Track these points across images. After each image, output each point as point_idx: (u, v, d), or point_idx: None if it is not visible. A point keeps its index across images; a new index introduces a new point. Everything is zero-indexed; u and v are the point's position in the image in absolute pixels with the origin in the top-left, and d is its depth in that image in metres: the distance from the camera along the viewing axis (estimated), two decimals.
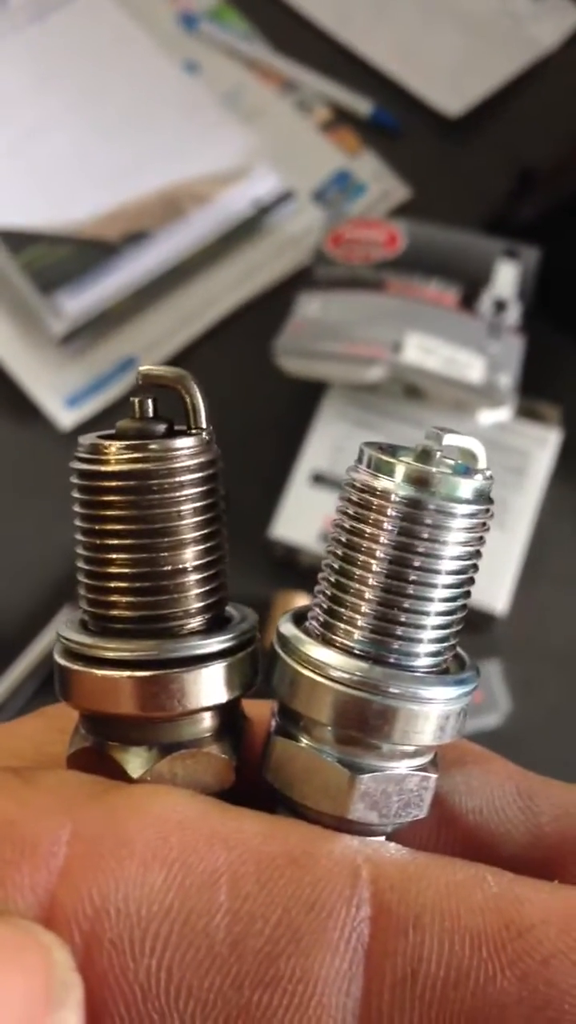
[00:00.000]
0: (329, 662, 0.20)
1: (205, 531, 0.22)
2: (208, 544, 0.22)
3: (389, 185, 0.82)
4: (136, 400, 0.22)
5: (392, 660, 0.20)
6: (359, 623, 0.21)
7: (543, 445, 0.68)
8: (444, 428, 0.20)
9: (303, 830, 0.19)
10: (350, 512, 0.21)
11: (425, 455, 0.20)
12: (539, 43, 0.87)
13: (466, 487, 0.20)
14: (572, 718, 0.66)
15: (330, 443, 0.69)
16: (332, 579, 0.21)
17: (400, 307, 0.70)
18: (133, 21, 0.88)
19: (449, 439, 0.20)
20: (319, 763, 0.21)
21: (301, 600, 0.65)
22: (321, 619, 0.21)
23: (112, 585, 0.21)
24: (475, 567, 0.21)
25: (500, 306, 0.70)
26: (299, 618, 0.22)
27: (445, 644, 0.21)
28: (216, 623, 0.22)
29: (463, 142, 0.84)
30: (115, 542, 0.21)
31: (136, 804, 0.19)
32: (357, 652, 0.20)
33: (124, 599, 0.21)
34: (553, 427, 0.69)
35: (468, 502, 0.20)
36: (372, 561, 0.20)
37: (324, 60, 0.86)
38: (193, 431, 0.22)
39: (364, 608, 0.20)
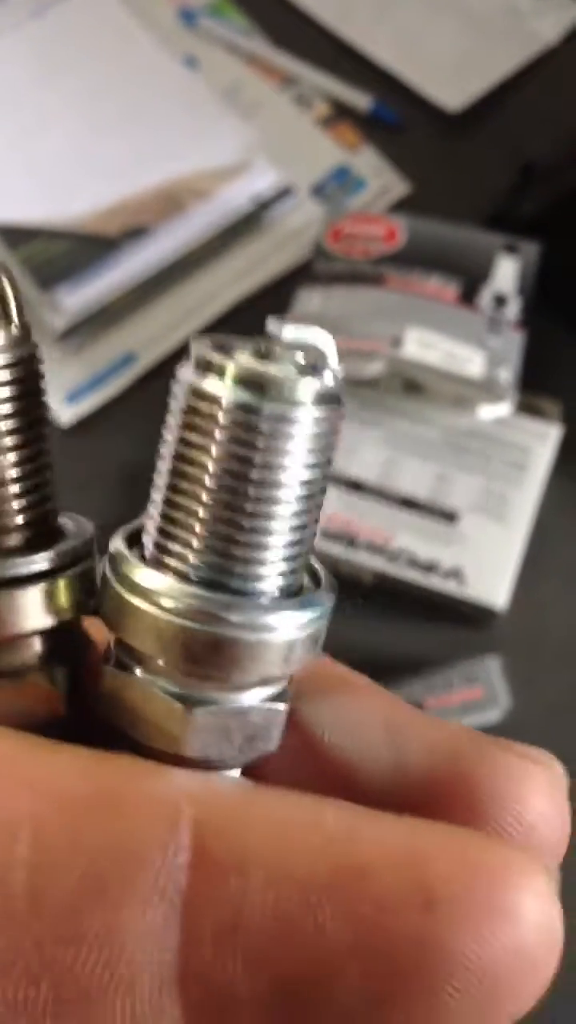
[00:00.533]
0: (159, 588, 0.18)
1: (19, 436, 0.19)
2: (24, 451, 0.19)
3: (389, 180, 0.82)
4: None
5: (233, 585, 0.18)
6: (194, 544, 0.18)
7: (543, 440, 0.68)
8: (284, 320, 0.18)
9: (125, 766, 0.18)
10: (178, 418, 0.18)
11: (263, 353, 0.18)
12: (540, 38, 0.87)
13: (306, 389, 0.18)
14: (573, 714, 0.66)
15: None
16: (162, 493, 0.19)
17: (400, 302, 0.70)
18: (133, 16, 0.87)
19: (290, 332, 0.18)
20: (152, 697, 0.19)
21: None
22: (153, 539, 0.19)
23: None
24: (325, 478, 0.19)
25: (500, 301, 0.70)
26: (134, 536, 0.20)
27: (293, 564, 0.19)
28: (42, 540, 0.20)
29: (463, 137, 0.84)
30: None
31: None
32: (192, 577, 0.18)
33: None
34: (553, 422, 0.69)
35: (309, 404, 0.18)
36: (204, 475, 0.18)
37: (324, 55, 0.86)
38: (12, 326, 0.20)
39: (198, 528, 0.18)
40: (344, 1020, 0.16)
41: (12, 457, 0.19)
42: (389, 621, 0.67)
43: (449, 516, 0.66)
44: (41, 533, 0.20)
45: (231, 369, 0.18)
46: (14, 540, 0.20)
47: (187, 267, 0.78)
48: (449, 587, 0.65)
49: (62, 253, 0.77)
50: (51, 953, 0.16)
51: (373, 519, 0.66)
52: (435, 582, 0.64)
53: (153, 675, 0.19)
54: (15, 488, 0.19)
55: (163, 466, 0.19)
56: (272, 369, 0.18)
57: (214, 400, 0.18)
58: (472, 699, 0.64)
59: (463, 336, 0.67)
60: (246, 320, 0.77)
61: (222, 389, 0.18)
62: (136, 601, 0.18)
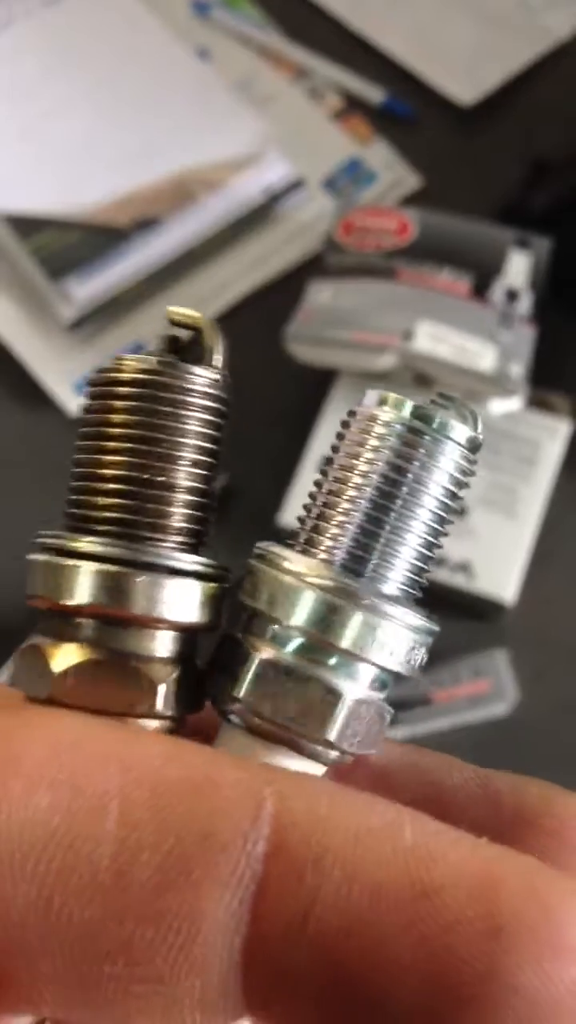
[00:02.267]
0: (310, 570, 0.21)
1: (199, 460, 0.22)
2: (199, 474, 0.22)
3: (400, 174, 0.82)
4: (163, 336, 0.23)
5: (371, 576, 0.21)
6: (340, 538, 0.21)
7: (554, 435, 0.68)
8: (451, 395, 0.22)
9: (211, 754, 0.18)
10: (349, 439, 0.22)
11: (432, 402, 0.22)
12: (553, 33, 0.86)
13: (461, 430, 0.22)
14: None
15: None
16: (321, 500, 0.22)
17: (411, 295, 0.69)
18: (146, 7, 0.87)
19: (455, 401, 0.22)
20: (295, 678, 0.21)
21: None
22: (304, 536, 0.22)
23: (98, 487, 0.22)
24: (453, 512, 0.22)
25: (512, 295, 0.70)
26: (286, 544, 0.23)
27: (416, 578, 0.22)
28: (192, 552, 0.22)
29: (476, 131, 0.84)
30: (114, 445, 0.22)
31: (30, 721, 0.18)
32: (335, 562, 0.21)
33: (109, 500, 0.21)
34: (564, 417, 0.69)
35: (459, 444, 0.22)
36: (362, 481, 0.21)
37: (337, 48, 0.86)
38: (209, 360, 0.23)
39: (348, 524, 0.21)
40: None
41: (191, 473, 0.22)
42: None
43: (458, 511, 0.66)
44: (194, 549, 0.22)
45: (408, 404, 0.22)
46: (171, 543, 0.22)
47: (198, 258, 0.78)
48: (458, 581, 0.65)
49: (73, 243, 0.77)
50: (131, 930, 0.16)
51: None
52: (444, 576, 0.64)
53: (295, 656, 0.21)
54: (186, 498, 0.22)
55: (323, 484, 0.22)
56: (439, 411, 0.22)
57: (388, 423, 0.21)
58: (480, 693, 0.64)
59: (474, 330, 0.67)
60: (257, 312, 0.77)
61: (398, 416, 0.21)
62: (289, 579, 0.21)
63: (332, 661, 0.21)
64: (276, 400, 0.73)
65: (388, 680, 0.22)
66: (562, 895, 0.16)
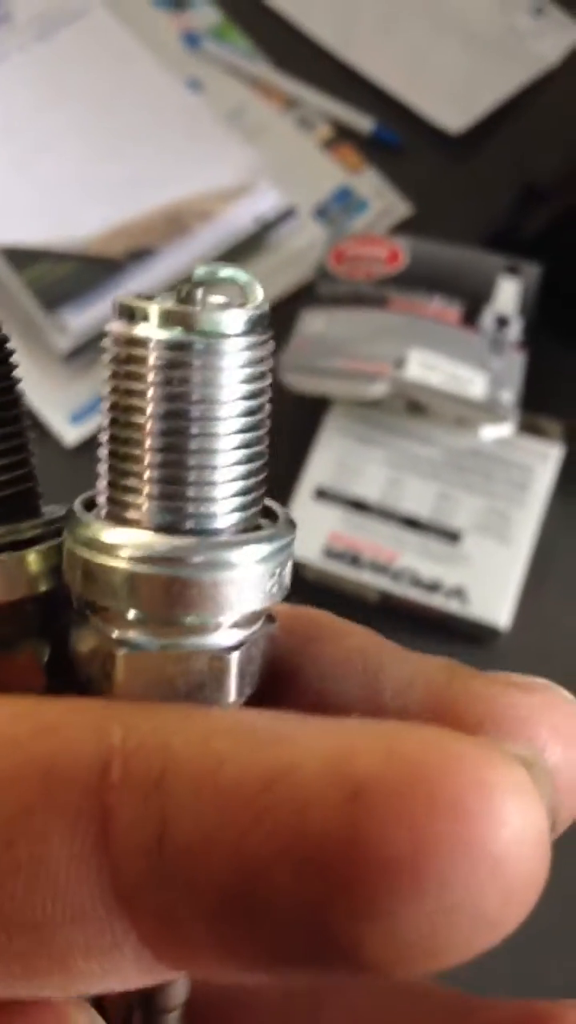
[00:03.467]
0: (115, 540, 0.18)
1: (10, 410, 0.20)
2: (6, 428, 0.20)
3: (390, 202, 0.83)
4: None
5: (187, 527, 0.19)
6: (144, 491, 0.19)
7: (545, 460, 0.69)
8: (206, 264, 0.19)
9: (66, 704, 0.17)
10: (112, 371, 0.19)
11: (185, 296, 0.19)
12: (541, 59, 0.87)
13: (233, 319, 0.18)
14: None
15: (334, 458, 0.69)
16: (108, 450, 0.19)
17: (403, 324, 0.70)
18: (137, 40, 0.88)
19: (206, 273, 0.19)
20: (100, 647, 0.19)
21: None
22: (106, 495, 0.19)
23: None
24: (263, 409, 0.19)
25: (502, 322, 0.70)
26: (91, 502, 0.20)
27: (246, 499, 0.19)
28: (27, 514, 0.21)
29: (465, 158, 0.85)
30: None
31: None
32: (146, 524, 0.19)
33: None
34: (555, 442, 0.70)
35: (238, 335, 0.18)
36: (145, 420, 0.18)
37: (326, 78, 0.87)
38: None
39: (147, 473, 0.19)
40: (287, 927, 0.15)
41: None
42: (393, 640, 0.67)
43: (452, 535, 0.67)
44: (26, 508, 0.21)
45: (155, 311, 0.18)
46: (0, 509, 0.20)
47: None
48: (452, 606, 0.65)
49: (68, 275, 0.78)
50: None
51: (377, 538, 0.67)
52: (438, 601, 0.65)
53: (113, 627, 0.19)
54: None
55: (105, 422, 0.19)
56: (196, 307, 0.18)
57: (143, 343, 0.18)
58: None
59: (465, 357, 0.68)
60: None
61: (149, 331, 0.18)
62: (92, 556, 0.18)
63: (198, 623, 0.19)
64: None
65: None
66: (424, 745, 0.15)
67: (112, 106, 0.86)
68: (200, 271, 0.18)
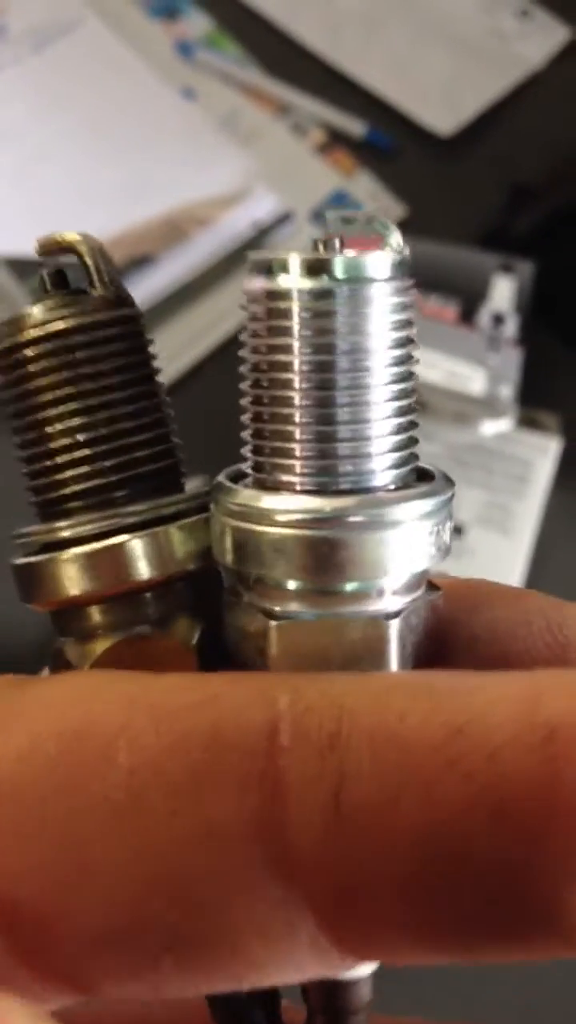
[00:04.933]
0: (270, 506, 0.17)
1: (139, 391, 0.20)
2: (145, 404, 0.20)
3: (385, 204, 0.84)
4: (44, 274, 0.21)
5: (343, 487, 0.17)
6: (296, 452, 0.18)
7: (544, 453, 0.70)
8: (337, 209, 0.18)
9: (226, 676, 0.16)
10: (253, 330, 0.18)
11: (323, 245, 0.18)
12: (527, 61, 0.89)
13: (377, 263, 0.17)
14: None
15: None
16: (252, 414, 0.18)
17: None
18: (131, 50, 0.90)
19: (341, 218, 0.18)
20: (246, 617, 0.18)
21: None
22: (252, 462, 0.18)
23: (51, 463, 0.20)
24: (412, 357, 0.18)
25: (498, 319, 0.72)
26: (236, 476, 0.19)
27: (401, 454, 0.18)
28: (172, 489, 0.20)
29: (456, 160, 0.86)
30: (50, 413, 0.20)
31: (38, 680, 0.17)
32: (301, 488, 0.18)
33: (67, 474, 0.20)
34: (553, 435, 0.71)
35: (384, 280, 0.17)
36: (292, 376, 0.17)
37: (318, 83, 0.89)
38: (98, 290, 0.21)
39: (298, 433, 0.17)
40: (485, 886, 0.14)
41: (129, 408, 0.20)
42: None
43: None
44: (171, 483, 0.20)
45: (296, 261, 0.17)
46: (144, 488, 0.20)
47: (191, 294, 0.80)
48: None
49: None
50: (164, 859, 0.15)
51: None
52: None
53: (266, 600, 0.18)
54: (142, 436, 0.20)
55: (247, 386, 0.18)
56: (338, 253, 0.17)
57: (285, 295, 0.17)
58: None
59: (464, 355, 0.69)
60: None
61: (291, 281, 0.17)
62: (243, 524, 0.18)
63: (356, 590, 0.17)
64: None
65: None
66: None
67: (107, 116, 0.87)
68: (332, 214, 0.18)
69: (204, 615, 0.20)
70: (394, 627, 0.18)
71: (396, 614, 0.18)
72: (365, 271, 0.17)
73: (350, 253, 0.18)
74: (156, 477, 0.20)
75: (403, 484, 0.18)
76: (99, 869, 0.15)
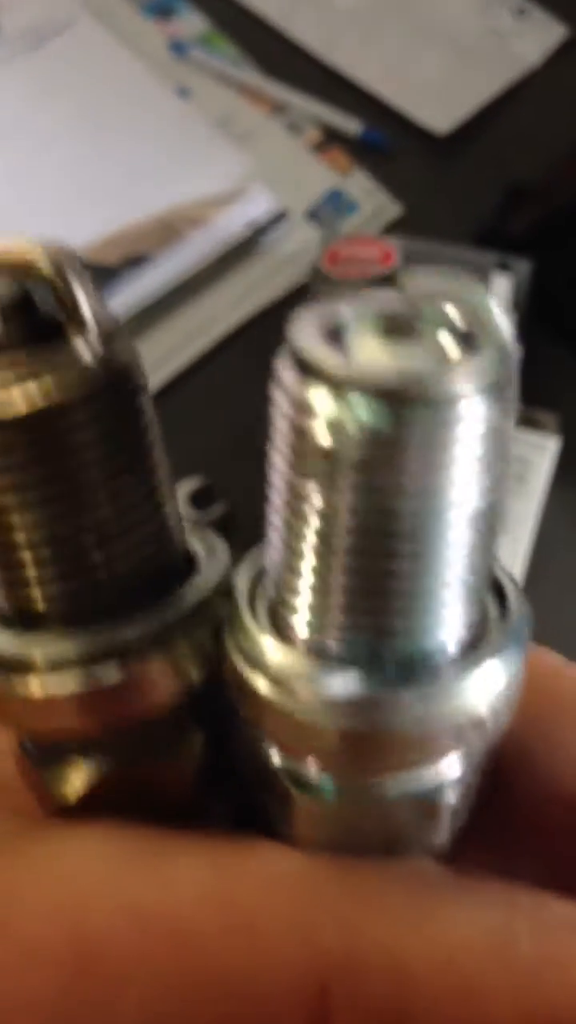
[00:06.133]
0: (295, 673, 0.13)
1: (112, 473, 0.15)
2: (125, 486, 0.16)
3: (381, 202, 0.84)
4: (4, 303, 0.15)
5: (396, 651, 0.13)
6: (333, 604, 0.13)
7: (542, 452, 0.70)
8: (417, 273, 0.13)
9: (258, 877, 0.14)
10: (288, 439, 0.13)
11: (396, 329, 0.12)
12: (524, 60, 0.89)
13: (465, 376, 0.12)
14: None
15: None
16: (282, 536, 0.14)
17: None
18: (126, 50, 0.89)
19: (422, 294, 0.12)
20: (281, 784, 0.15)
21: None
22: (276, 589, 0.14)
23: (21, 571, 0.15)
24: (499, 486, 0.14)
25: None
26: (254, 585, 0.15)
27: (470, 611, 0.14)
28: (163, 581, 0.16)
29: (451, 159, 0.86)
30: (14, 501, 0.15)
31: (36, 865, 0.14)
32: (335, 653, 0.13)
33: (43, 574, 0.15)
34: (551, 434, 0.71)
35: (478, 398, 0.12)
36: (338, 516, 0.13)
37: (313, 82, 0.88)
38: (76, 333, 0.15)
39: (340, 583, 0.13)
40: None
41: (110, 499, 0.15)
42: None
43: None
44: (172, 572, 0.17)
45: (350, 373, 0.12)
46: (142, 586, 0.16)
47: (187, 293, 0.80)
48: None
49: None
50: None
51: None
52: None
53: (290, 760, 0.15)
54: (125, 538, 0.16)
55: (277, 499, 0.14)
56: (408, 358, 0.12)
57: (336, 426, 0.12)
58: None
59: None
60: (247, 344, 0.79)
61: (343, 410, 0.12)
62: (266, 688, 0.14)
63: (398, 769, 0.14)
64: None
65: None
66: None
67: (102, 115, 0.87)
68: (413, 284, 0.13)
69: (206, 726, 0.17)
70: (446, 804, 0.14)
71: (451, 784, 0.14)
72: (448, 390, 0.12)
73: (432, 352, 0.12)
74: (156, 573, 0.16)
75: (469, 642, 0.14)
76: None
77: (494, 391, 0.13)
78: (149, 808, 0.15)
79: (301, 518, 0.13)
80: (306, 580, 0.14)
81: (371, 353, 0.12)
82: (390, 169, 0.85)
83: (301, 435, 0.13)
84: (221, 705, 0.16)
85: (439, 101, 0.87)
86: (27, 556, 0.15)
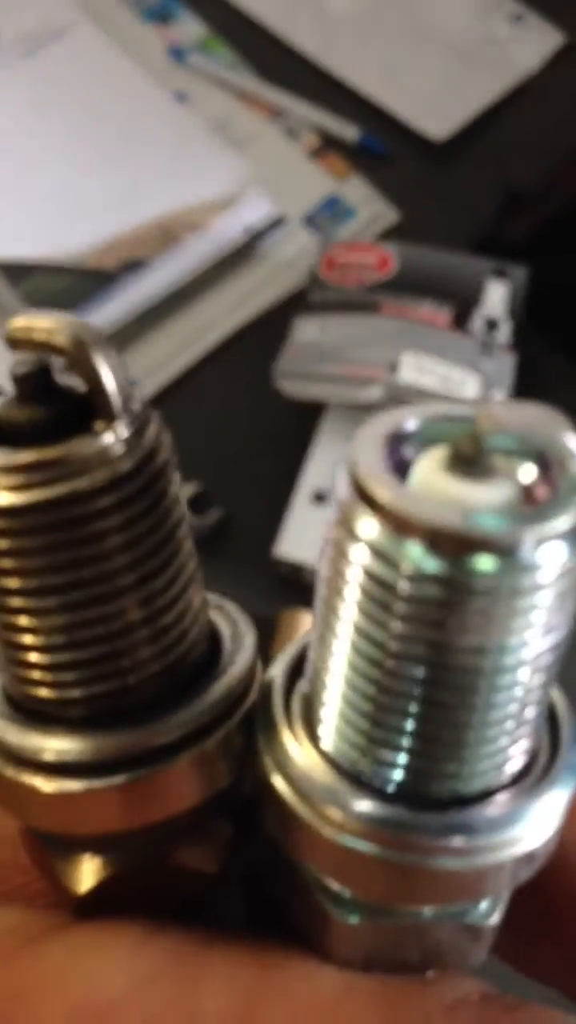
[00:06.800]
0: (338, 805, 0.13)
1: (143, 569, 0.15)
2: (154, 582, 0.15)
3: (378, 208, 0.84)
4: (14, 377, 0.15)
5: (433, 791, 0.13)
6: (381, 741, 0.13)
7: None
8: (499, 414, 0.11)
9: (287, 1001, 0.13)
10: (363, 588, 0.12)
11: (465, 462, 0.12)
12: (521, 66, 0.89)
13: (540, 541, 0.11)
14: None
15: (330, 462, 0.70)
16: (331, 662, 0.13)
17: (395, 328, 0.72)
18: (123, 55, 0.90)
19: (498, 422, 0.12)
20: (314, 902, 0.14)
21: (307, 620, 0.66)
22: (331, 723, 0.14)
23: (35, 665, 0.15)
24: (569, 622, 0.13)
25: (491, 325, 0.72)
26: (292, 678, 0.15)
27: (528, 743, 0.13)
28: (195, 670, 0.15)
29: (449, 165, 0.86)
30: (35, 603, 0.14)
31: (56, 969, 0.13)
32: (388, 789, 0.13)
33: (63, 676, 0.15)
34: None
35: (555, 565, 0.12)
36: (408, 666, 0.12)
37: (311, 88, 0.88)
38: (102, 423, 0.14)
39: (391, 723, 0.13)
40: None
41: (138, 596, 0.15)
42: None
43: None
44: (183, 669, 0.15)
45: (422, 526, 0.11)
46: (169, 678, 0.15)
47: (184, 298, 0.80)
48: None
49: (62, 288, 0.79)
50: None
51: None
52: None
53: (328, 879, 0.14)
54: (154, 626, 0.15)
55: (329, 627, 0.13)
56: (478, 498, 0.11)
57: (406, 578, 0.12)
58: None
59: (457, 360, 0.69)
60: (244, 348, 0.79)
61: (411, 562, 0.11)
62: (308, 815, 0.13)
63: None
64: (267, 434, 0.75)
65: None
66: None
67: (100, 120, 0.87)
68: (491, 416, 0.11)
69: (231, 820, 0.16)
70: (492, 927, 0.14)
71: (496, 910, 0.14)
72: (523, 559, 0.11)
73: (527, 516, 0.11)
74: (183, 662, 0.15)
75: (517, 776, 0.13)
76: None
77: (572, 537, 0.12)
78: (171, 899, 0.15)
79: (371, 659, 0.13)
80: (356, 700, 0.13)
81: (435, 487, 0.11)
82: (387, 175, 0.85)
83: (352, 561, 0.12)
84: (248, 796, 0.15)
85: (436, 107, 0.87)
86: (58, 658, 0.14)
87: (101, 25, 0.91)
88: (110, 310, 0.78)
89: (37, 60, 0.90)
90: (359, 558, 0.12)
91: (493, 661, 0.12)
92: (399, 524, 0.11)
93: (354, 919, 0.13)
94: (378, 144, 0.86)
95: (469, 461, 0.12)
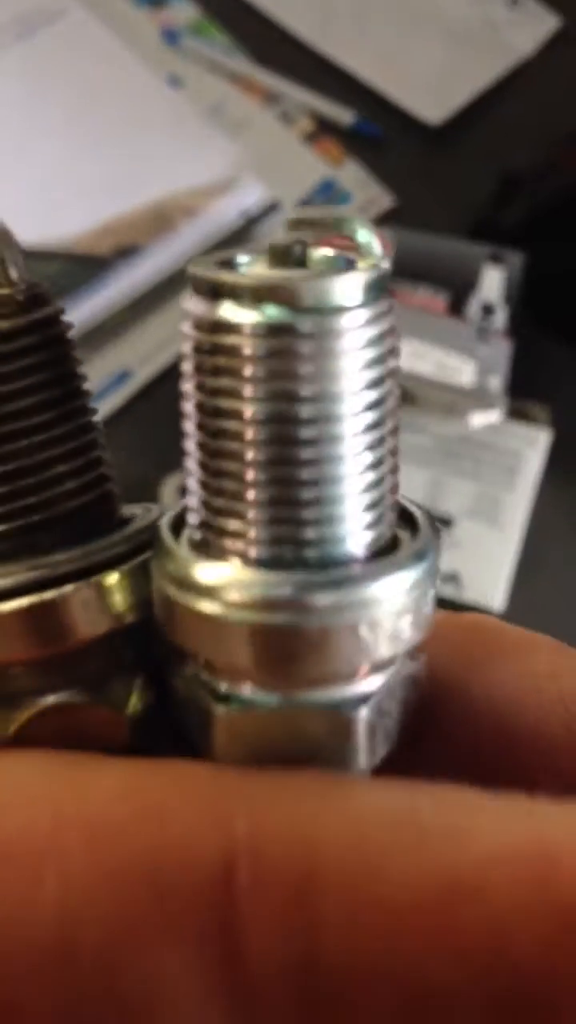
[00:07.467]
0: (214, 581, 0.14)
1: (48, 412, 0.17)
2: (61, 427, 0.17)
3: (373, 193, 0.84)
4: None
5: (309, 556, 0.14)
6: (248, 516, 0.14)
7: (534, 444, 0.70)
8: (301, 209, 0.14)
9: (175, 776, 0.14)
10: (196, 363, 0.15)
11: (282, 254, 0.14)
12: (517, 50, 0.88)
13: (348, 287, 0.14)
14: None
15: None
16: (197, 461, 0.15)
17: None
18: (117, 38, 0.89)
19: (304, 220, 0.14)
20: (200, 699, 0.15)
21: None
22: (199, 518, 0.15)
23: None
24: (391, 395, 0.15)
25: (487, 310, 0.72)
26: (180, 522, 0.16)
27: (377, 513, 0.15)
28: (100, 527, 0.17)
29: (445, 150, 0.86)
30: None
31: None
32: (254, 557, 0.14)
33: None
34: (542, 427, 0.71)
35: (357, 307, 0.14)
36: (244, 426, 0.14)
37: (306, 72, 0.88)
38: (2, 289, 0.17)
39: (250, 495, 0.14)
40: None
41: (50, 433, 0.17)
42: None
43: (444, 521, 0.68)
44: (104, 516, 0.17)
45: (246, 285, 0.14)
46: (72, 525, 0.17)
47: (179, 284, 0.79)
48: (447, 592, 0.66)
49: (55, 273, 0.78)
50: (96, 1010, 0.13)
51: None
52: None
53: (211, 677, 0.15)
54: (58, 468, 0.17)
55: (190, 427, 0.15)
56: (297, 273, 0.14)
57: (234, 329, 0.14)
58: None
59: (453, 346, 0.69)
60: None
61: (240, 312, 0.14)
62: (184, 598, 0.14)
63: (315, 676, 0.14)
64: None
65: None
66: None
67: (94, 104, 0.86)
68: (296, 216, 0.14)
69: (145, 669, 0.17)
70: (363, 719, 0.14)
71: (365, 699, 0.15)
72: (333, 298, 0.14)
73: (319, 262, 0.14)
74: (85, 512, 0.17)
75: (380, 545, 0.15)
76: (28, 1018, 0.13)
77: (372, 301, 0.14)
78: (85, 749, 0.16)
79: (208, 431, 0.15)
80: (219, 488, 0.15)
81: (264, 272, 0.14)
82: (383, 160, 0.85)
83: (206, 349, 0.14)
84: (159, 651, 0.16)
85: (432, 91, 0.87)
86: None
87: (94, 8, 0.90)
88: (104, 296, 0.77)
89: (29, 44, 0.89)
90: (212, 339, 0.14)
91: (326, 411, 0.14)
92: (238, 294, 0.14)
93: (223, 708, 0.14)
94: (373, 129, 0.85)
95: (284, 252, 0.14)
